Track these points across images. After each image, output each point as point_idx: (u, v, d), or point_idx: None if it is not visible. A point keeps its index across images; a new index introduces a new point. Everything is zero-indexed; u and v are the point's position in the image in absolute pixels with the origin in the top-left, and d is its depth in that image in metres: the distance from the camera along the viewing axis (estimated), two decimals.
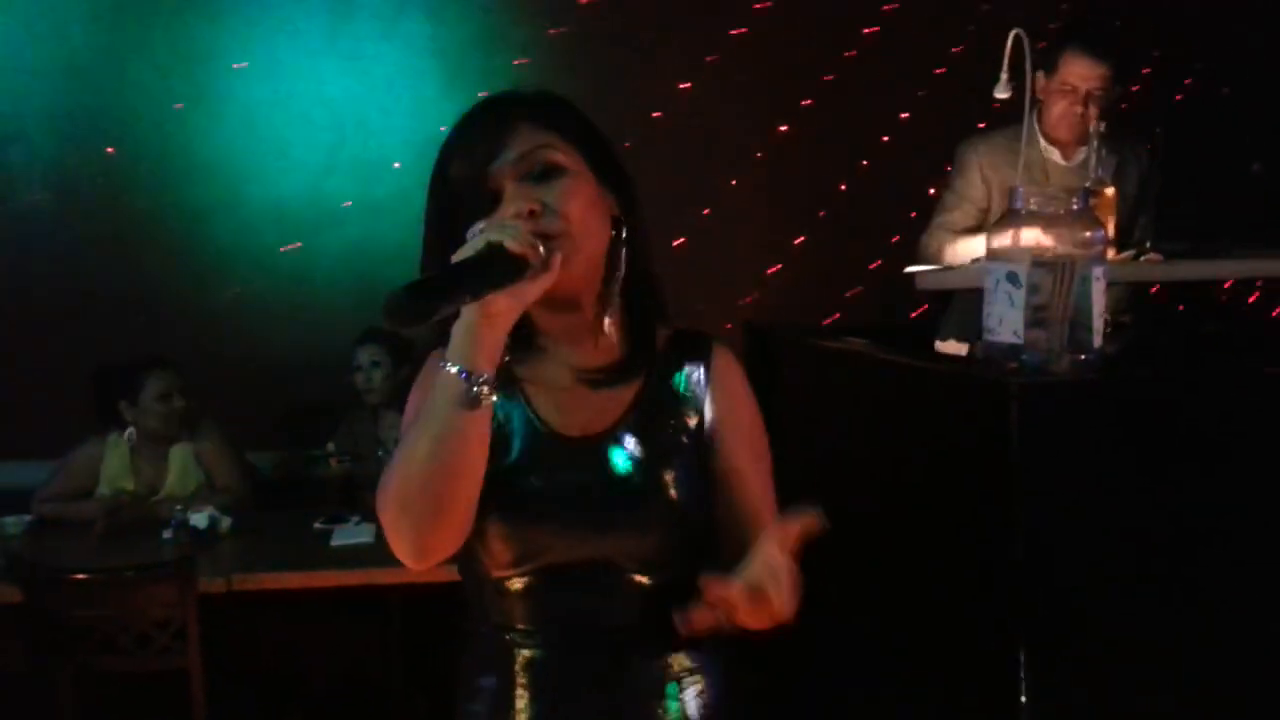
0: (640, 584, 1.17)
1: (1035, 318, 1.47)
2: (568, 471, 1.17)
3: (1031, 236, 1.52)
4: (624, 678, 1.19)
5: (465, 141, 1.14)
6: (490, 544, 1.17)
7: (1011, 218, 1.56)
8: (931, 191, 3.19)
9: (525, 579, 1.17)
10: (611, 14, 3.91)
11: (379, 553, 2.80)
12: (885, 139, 3.97)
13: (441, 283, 0.99)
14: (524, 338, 1.19)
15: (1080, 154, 2.74)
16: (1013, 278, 1.48)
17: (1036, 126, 2.76)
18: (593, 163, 1.16)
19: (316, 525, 3.05)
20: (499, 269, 1.00)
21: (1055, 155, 2.79)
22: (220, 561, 2.69)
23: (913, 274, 2.47)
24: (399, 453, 1.09)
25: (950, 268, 2.37)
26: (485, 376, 1.04)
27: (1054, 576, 1.46)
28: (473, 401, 1.04)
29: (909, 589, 1.81)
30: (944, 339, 2.86)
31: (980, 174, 2.82)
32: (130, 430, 3.22)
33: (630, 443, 1.17)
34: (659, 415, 1.19)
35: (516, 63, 3.91)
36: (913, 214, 3.16)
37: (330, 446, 3.30)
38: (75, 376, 3.67)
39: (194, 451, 3.25)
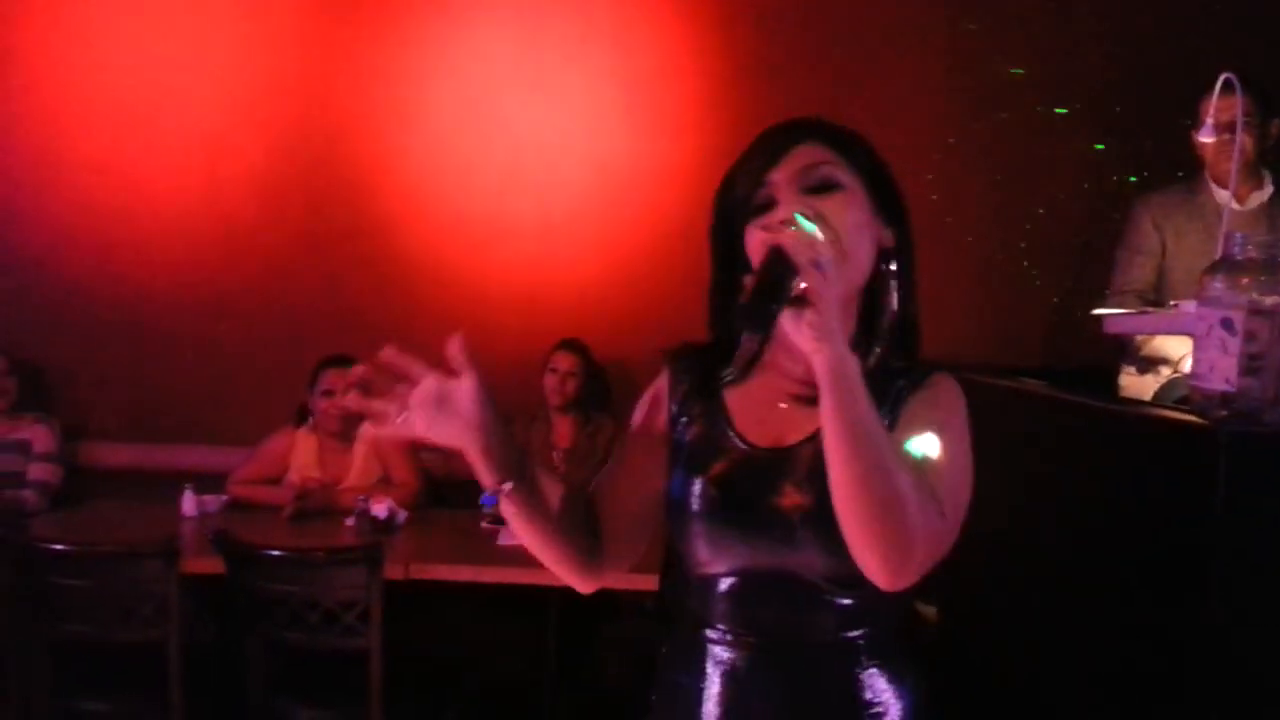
0: (836, 602, 1.18)
1: (1250, 366, 1.45)
2: (755, 483, 1.20)
3: (1246, 282, 1.49)
4: (811, 692, 1.21)
5: (751, 154, 1.21)
6: (690, 546, 1.24)
7: (1226, 262, 1.54)
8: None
9: (725, 581, 1.22)
10: (792, 51, 3.97)
11: None
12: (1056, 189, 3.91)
13: (771, 292, 1.04)
14: (751, 356, 1.26)
15: (1255, 198, 2.71)
16: (1228, 324, 1.46)
17: (1207, 176, 2.82)
18: (871, 188, 1.20)
19: (484, 524, 3.19)
20: (787, 273, 1.05)
21: (1225, 198, 2.75)
22: (399, 551, 2.84)
23: (1102, 316, 2.44)
24: None
25: (1147, 311, 2.33)
26: (505, 489, 1.16)
27: (1252, 637, 1.42)
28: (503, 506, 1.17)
29: (1096, 636, 1.78)
30: (1126, 381, 2.81)
31: (1152, 224, 2.83)
32: (310, 421, 3.44)
33: (821, 458, 1.13)
34: None
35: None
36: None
37: None
38: (271, 372, 3.97)
39: (374, 447, 3.44)
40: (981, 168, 3.94)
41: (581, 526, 1.26)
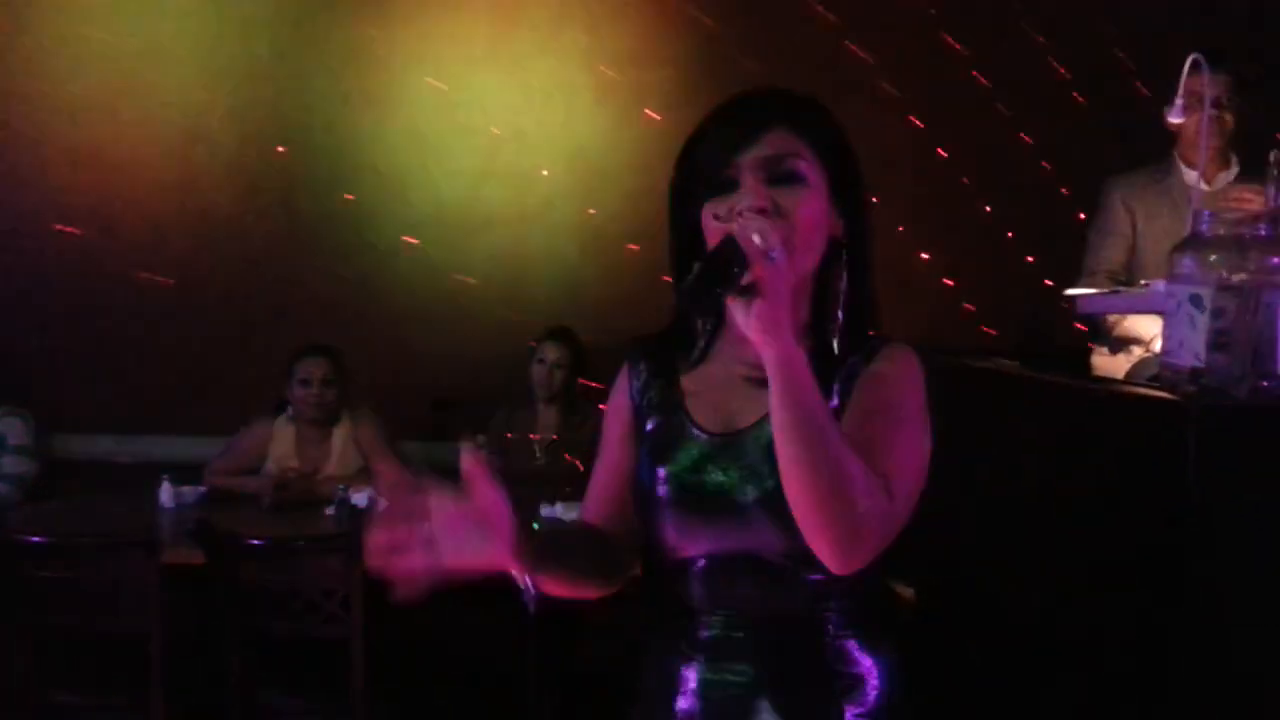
0: (804, 578, 1.19)
1: (1217, 341, 1.47)
2: (710, 468, 1.22)
3: (1214, 259, 1.52)
4: (789, 664, 1.23)
5: (720, 125, 1.20)
6: (660, 533, 1.26)
7: (1194, 240, 1.56)
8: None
9: (696, 564, 1.24)
10: (761, 29, 3.98)
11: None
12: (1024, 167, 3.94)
13: (718, 277, 1.04)
14: (706, 339, 1.27)
15: (1221, 178, 2.76)
16: (1196, 300, 1.49)
17: (1176, 157, 2.85)
18: (833, 181, 1.21)
19: None
20: (736, 261, 1.05)
21: (1194, 179, 2.80)
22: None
23: (1074, 296, 2.47)
24: None
25: (1117, 291, 2.36)
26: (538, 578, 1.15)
27: (1226, 606, 1.45)
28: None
29: (1070, 612, 1.81)
30: (1098, 361, 2.86)
31: (1123, 205, 2.87)
32: (289, 410, 3.43)
33: (766, 435, 1.15)
34: None
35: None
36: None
37: (480, 439, 3.43)
38: (247, 362, 3.95)
39: (353, 436, 3.43)
40: (960, 151, 3.96)
41: (599, 542, 1.32)
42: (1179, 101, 2.45)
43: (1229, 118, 2.68)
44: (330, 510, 3.11)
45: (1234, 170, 2.75)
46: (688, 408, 1.27)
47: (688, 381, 1.29)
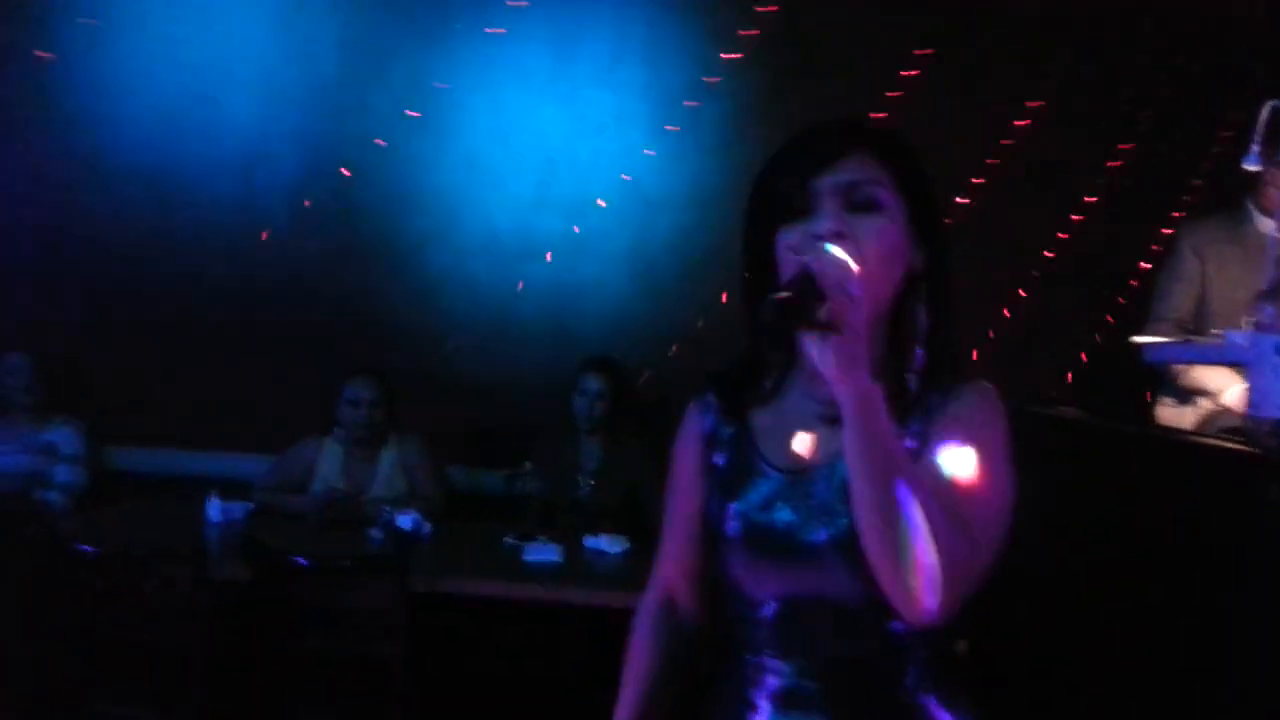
0: (881, 626, 1.13)
1: None
2: (780, 507, 1.18)
3: None
4: (856, 709, 1.17)
5: (799, 149, 1.17)
6: (730, 574, 1.21)
7: (1277, 291, 1.51)
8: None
9: (767, 608, 1.19)
10: (825, 68, 3.98)
11: (568, 572, 2.92)
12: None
13: (795, 309, 1.01)
14: (778, 375, 1.24)
15: None
16: None
17: (1250, 204, 2.80)
18: (912, 212, 1.17)
19: (507, 540, 3.17)
20: (814, 295, 1.02)
21: (1270, 227, 2.72)
22: (424, 563, 2.82)
23: (1141, 344, 2.42)
24: None
25: (1189, 341, 2.31)
26: None
27: None
28: None
29: (1149, 663, 1.75)
30: (1163, 414, 2.79)
31: (1193, 252, 2.82)
32: (336, 430, 3.44)
33: (839, 475, 1.12)
34: None
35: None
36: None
37: (527, 465, 3.42)
38: (299, 382, 3.98)
39: (399, 460, 3.44)
40: (1010, 195, 3.92)
41: (675, 658, 1.34)
42: (1255, 148, 2.40)
43: None
44: (375, 531, 3.11)
45: None
46: (758, 444, 1.23)
47: (759, 418, 1.25)
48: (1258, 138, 2.38)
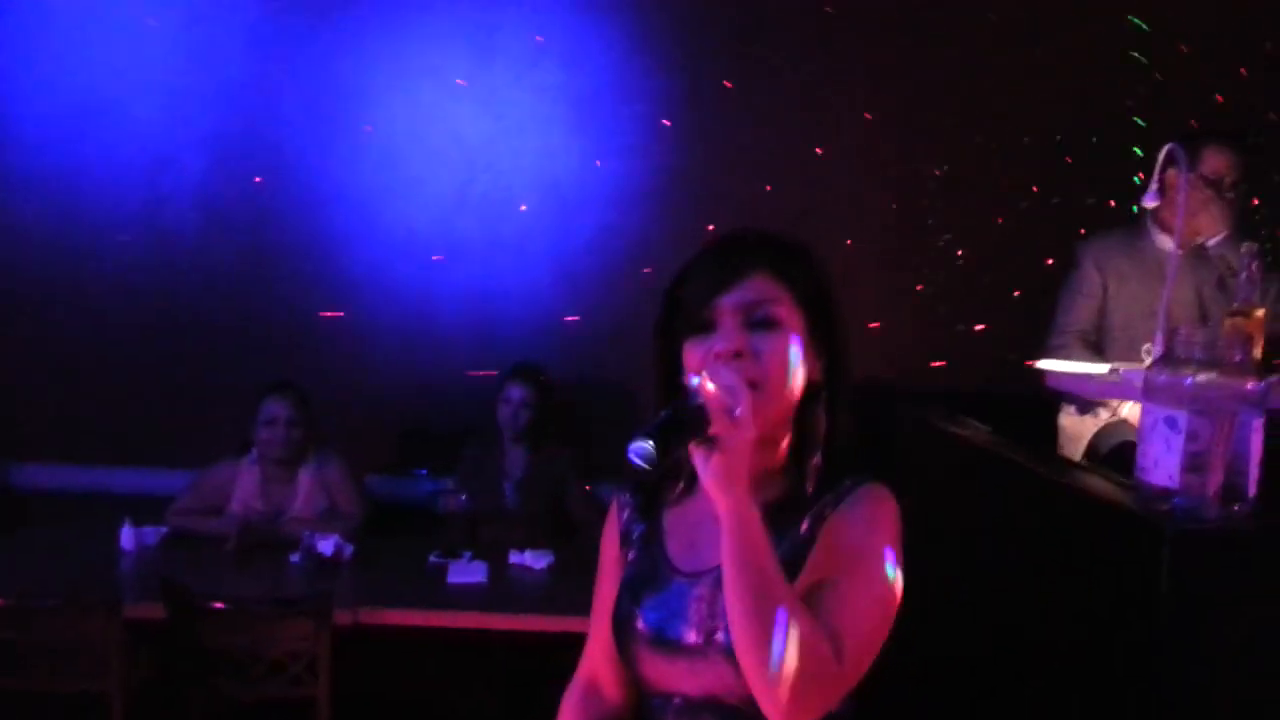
0: (755, 717, 1.15)
1: (1192, 464, 1.49)
2: (674, 608, 1.23)
3: (1189, 378, 1.53)
4: None
5: (705, 266, 1.23)
6: (635, 668, 1.28)
7: (1169, 359, 1.57)
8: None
9: (667, 702, 1.25)
10: (746, 71, 3.97)
11: (493, 595, 2.93)
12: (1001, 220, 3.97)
13: (667, 434, 1.06)
14: (689, 475, 1.26)
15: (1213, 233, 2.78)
16: (1171, 422, 1.50)
17: (1150, 222, 2.88)
18: (812, 326, 1.23)
19: (431, 558, 3.16)
20: (697, 419, 1.07)
21: (1168, 244, 2.82)
22: (346, 594, 2.80)
23: (1045, 371, 2.49)
24: None
25: (1089, 375, 2.38)
26: None
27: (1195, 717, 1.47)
28: None
29: (1038, 711, 1.82)
30: (1065, 422, 2.88)
31: (1095, 267, 2.90)
32: (253, 451, 3.38)
33: None
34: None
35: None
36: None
37: (451, 484, 3.40)
38: (213, 393, 3.90)
39: (319, 477, 3.39)
40: (935, 189, 3.98)
41: None
42: (1154, 186, 2.47)
43: (1232, 200, 2.72)
44: (295, 558, 3.07)
45: (1223, 232, 2.79)
46: (666, 544, 1.29)
47: (670, 516, 1.31)
48: (1156, 176, 2.45)
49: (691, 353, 1.20)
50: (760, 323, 1.19)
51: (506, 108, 4.02)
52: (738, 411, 1.07)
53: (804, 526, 1.20)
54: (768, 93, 3.96)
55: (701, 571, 1.23)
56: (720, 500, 1.07)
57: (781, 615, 1.04)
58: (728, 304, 1.19)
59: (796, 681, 1.04)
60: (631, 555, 1.32)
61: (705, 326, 1.20)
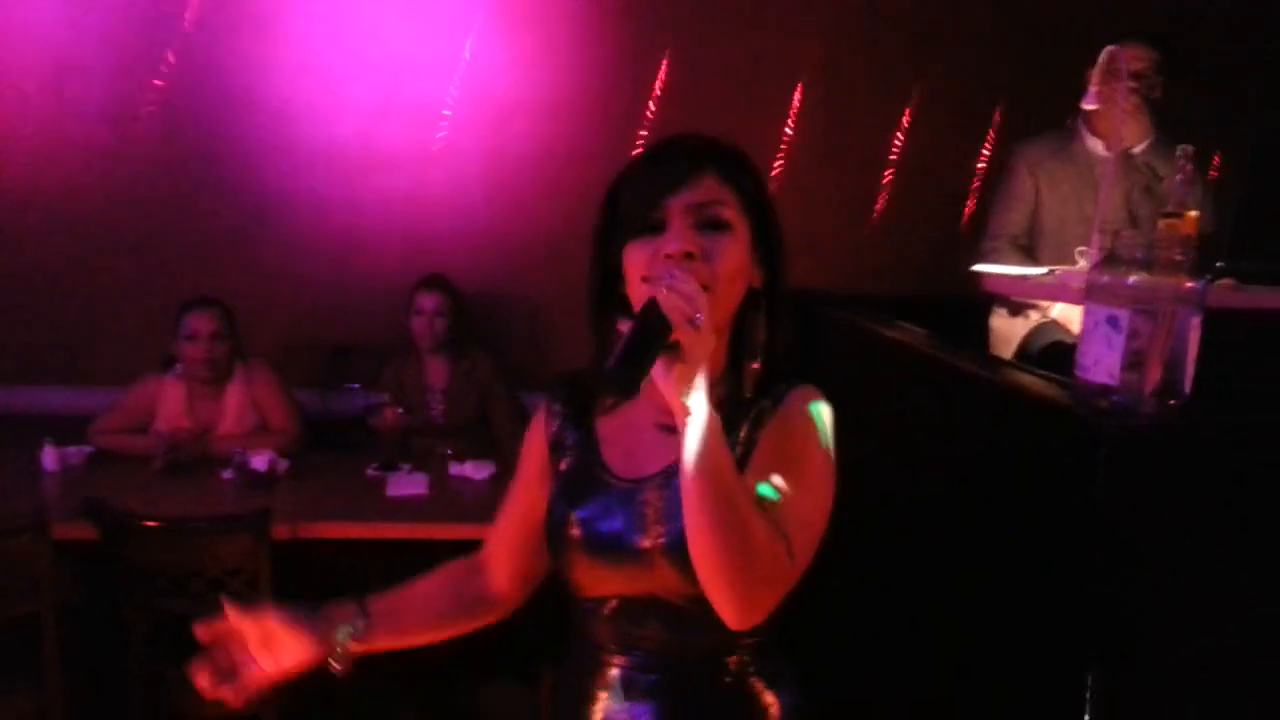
0: (698, 616, 1.19)
1: (1131, 361, 1.52)
2: (617, 512, 1.25)
3: (1130, 278, 1.56)
4: (693, 704, 1.27)
5: (651, 167, 1.21)
6: (570, 574, 1.30)
7: (1112, 260, 1.60)
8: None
9: (605, 606, 1.28)
10: None
11: (434, 506, 2.92)
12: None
13: (640, 354, 1.05)
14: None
15: (1136, 147, 2.82)
16: (1113, 321, 1.53)
17: (1082, 124, 2.91)
18: (755, 232, 1.23)
19: (369, 472, 3.13)
20: (661, 330, 1.06)
21: (1100, 148, 2.87)
22: (283, 509, 2.76)
23: (981, 274, 2.52)
24: None
25: (1025, 276, 2.42)
26: (347, 647, 1.31)
27: (1134, 621, 1.52)
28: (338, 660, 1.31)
29: (972, 614, 1.88)
30: (996, 323, 2.94)
31: (1027, 171, 2.93)
32: (176, 367, 3.28)
33: (672, 484, 1.18)
34: None
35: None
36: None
37: (386, 397, 3.35)
38: (131, 308, 3.76)
39: (247, 392, 3.31)
40: (868, 93, 3.96)
41: (460, 596, 1.41)
42: (1093, 89, 2.48)
43: (1140, 90, 2.73)
44: (228, 474, 3.01)
45: (1148, 139, 2.83)
46: (601, 452, 1.31)
47: (603, 424, 1.33)
48: (1096, 78, 2.46)
49: (636, 254, 1.18)
50: (710, 224, 1.18)
51: (432, 9, 3.87)
52: (698, 318, 1.05)
53: (743, 431, 1.22)
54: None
55: (643, 479, 1.25)
56: (681, 408, 1.06)
57: (742, 519, 1.06)
58: (677, 204, 1.18)
59: (755, 582, 1.07)
60: (566, 463, 1.33)
61: (652, 228, 1.18)
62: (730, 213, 1.20)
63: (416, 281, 3.54)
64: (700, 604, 1.15)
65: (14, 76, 3.72)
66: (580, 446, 1.32)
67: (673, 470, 1.17)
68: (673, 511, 1.17)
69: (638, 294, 1.18)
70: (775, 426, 1.21)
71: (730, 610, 1.09)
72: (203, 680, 1.25)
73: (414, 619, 1.37)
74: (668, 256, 1.15)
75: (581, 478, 1.29)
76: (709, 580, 1.08)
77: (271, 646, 1.27)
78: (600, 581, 1.27)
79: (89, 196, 3.79)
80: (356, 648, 1.31)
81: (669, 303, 1.05)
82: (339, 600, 1.33)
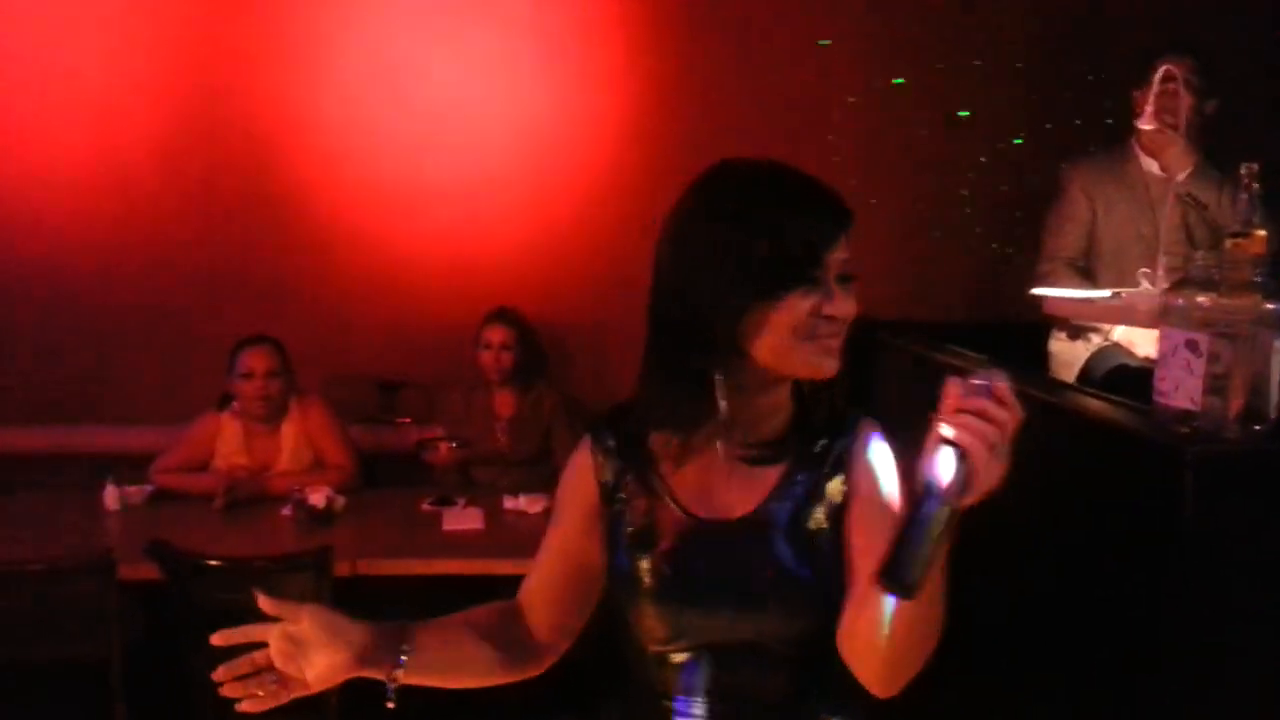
0: (791, 658, 1.20)
1: (1213, 386, 1.49)
2: (708, 557, 1.20)
3: (1209, 301, 1.53)
4: None
5: (813, 219, 1.15)
6: (645, 623, 1.24)
7: (1184, 282, 1.57)
8: None
9: (681, 654, 1.23)
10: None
11: (490, 540, 2.92)
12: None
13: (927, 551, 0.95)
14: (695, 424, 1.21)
15: (1182, 172, 2.79)
16: (1193, 345, 1.50)
17: (1135, 144, 2.87)
18: None
19: (425, 506, 3.14)
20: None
21: (1154, 168, 2.83)
22: (342, 545, 2.76)
23: (1042, 297, 2.49)
24: None
25: (1089, 299, 2.38)
26: (398, 675, 1.19)
27: (1219, 647, 1.49)
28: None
29: (1055, 644, 1.85)
30: (1056, 348, 2.90)
31: (1082, 192, 2.89)
32: (233, 405, 3.31)
33: (775, 526, 1.19)
34: (801, 495, 1.21)
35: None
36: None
37: (440, 432, 3.37)
38: (186, 347, 3.81)
39: (303, 428, 3.33)
40: (912, 119, 3.95)
41: (504, 641, 1.29)
42: (1149, 109, 2.46)
43: (1188, 97, 2.69)
44: (287, 511, 3.03)
45: (1191, 164, 2.79)
46: (674, 491, 1.24)
47: (667, 462, 1.24)
48: (1151, 96, 2.44)
49: (796, 307, 1.12)
50: (845, 278, 1.15)
51: (472, 45, 3.91)
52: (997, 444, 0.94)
53: (835, 478, 1.20)
54: (742, 24, 3.89)
55: (737, 519, 1.21)
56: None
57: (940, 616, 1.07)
58: (834, 260, 1.14)
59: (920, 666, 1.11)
60: (626, 507, 1.25)
61: (813, 273, 1.13)
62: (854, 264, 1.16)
63: (485, 315, 3.56)
64: (789, 642, 1.16)
65: (57, 117, 3.80)
66: (642, 488, 1.24)
67: (770, 507, 1.19)
68: (781, 551, 1.17)
69: (776, 346, 1.13)
70: (864, 472, 1.20)
71: (889, 689, 1.12)
72: (227, 684, 1.19)
73: (457, 657, 1.26)
74: (829, 319, 1.13)
75: (655, 520, 1.23)
76: (883, 673, 1.11)
77: (306, 654, 1.16)
78: (680, 629, 1.21)
79: (137, 237, 3.85)
80: (404, 677, 1.20)
81: (968, 441, 0.93)
82: (385, 625, 1.21)
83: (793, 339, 1.13)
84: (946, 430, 0.93)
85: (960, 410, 0.94)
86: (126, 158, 3.85)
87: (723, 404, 1.17)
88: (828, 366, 1.14)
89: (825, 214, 1.15)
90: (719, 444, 1.21)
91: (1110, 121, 3.27)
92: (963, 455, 0.92)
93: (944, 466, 0.92)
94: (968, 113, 3.89)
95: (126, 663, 2.51)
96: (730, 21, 3.87)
